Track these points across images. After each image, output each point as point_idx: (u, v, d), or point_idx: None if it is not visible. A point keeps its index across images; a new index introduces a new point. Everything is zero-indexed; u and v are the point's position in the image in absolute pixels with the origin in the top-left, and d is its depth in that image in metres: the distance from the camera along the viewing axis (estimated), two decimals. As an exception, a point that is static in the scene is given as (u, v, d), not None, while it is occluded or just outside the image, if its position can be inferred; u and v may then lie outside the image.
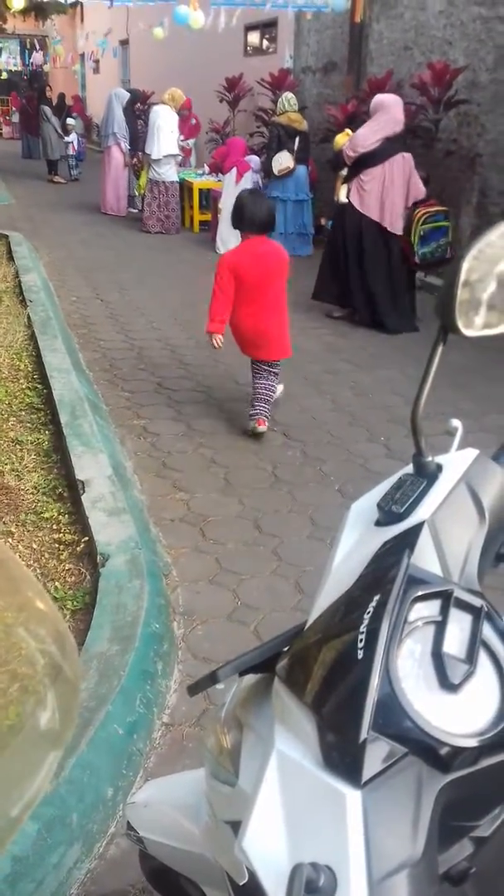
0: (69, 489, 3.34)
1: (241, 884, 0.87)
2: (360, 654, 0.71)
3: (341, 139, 6.94)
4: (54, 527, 3.02)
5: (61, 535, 2.96)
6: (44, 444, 3.77)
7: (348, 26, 9.61)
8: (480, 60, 7.58)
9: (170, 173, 9.85)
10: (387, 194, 5.95)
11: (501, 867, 0.90)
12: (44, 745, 0.52)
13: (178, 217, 10.18)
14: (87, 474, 3.32)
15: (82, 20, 24.13)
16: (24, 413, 4.10)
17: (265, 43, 12.83)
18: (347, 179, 6.28)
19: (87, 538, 2.92)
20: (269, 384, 4.12)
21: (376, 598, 0.74)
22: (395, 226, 6.03)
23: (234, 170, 8.84)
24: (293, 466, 3.80)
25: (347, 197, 6.25)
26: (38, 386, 4.46)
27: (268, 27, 12.29)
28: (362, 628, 0.72)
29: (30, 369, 4.73)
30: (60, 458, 3.64)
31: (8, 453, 3.59)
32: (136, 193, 11.21)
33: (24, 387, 4.44)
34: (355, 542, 0.87)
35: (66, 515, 3.12)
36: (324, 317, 6.49)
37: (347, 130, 7.06)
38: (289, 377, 5.08)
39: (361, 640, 0.71)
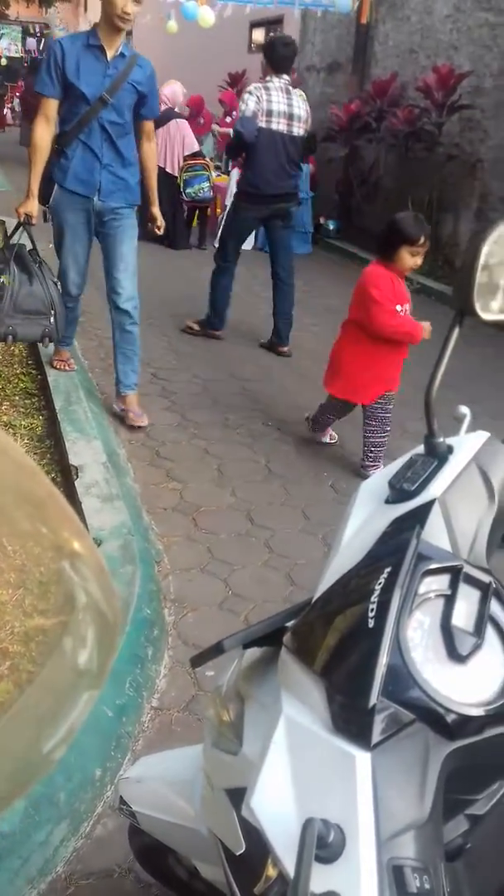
0: (62, 474, 3.33)
1: (237, 853, 0.88)
2: (371, 624, 0.72)
3: None
4: (47, 511, 3.01)
5: (54, 518, 2.95)
6: (37, 429, 3.76)
7: (354, 27, 9.64)
8: (485, 66, 7.62)
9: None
10: (168, 147, 8.23)
11: (491, 845, 0.92)
12: (80, 683, 0.53)
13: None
14: (80, 460, 3.32)
15: (86, 9, 24.04)
16: (17, 398, 4.09)
17: (270, 40, 12.85)
18: None
19: (79, 523, 2.92)
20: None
21: (387, 570, 0.75)
22: (175, 169, 8.30)
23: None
24: (287, 461, 3.81)
25: None
26: (33, 371, 4.45)
27: (273, 24, 12.29)
28: (373, 598, 0.74)
29: (24, 354, 4.71)
30: (54, 443, 3.63)
31: (2, 436, 3.59)
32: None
33: (18, 372, 4.43)
34: (365, 518, 0.88)
35: (60, 500, 3.12)
36: (322, 313, 6.51)
37: None
38: (283, 372, 5.09)
39: (373, 611, 0.73)
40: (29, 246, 3.82)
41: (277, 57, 4.92)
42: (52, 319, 3.76)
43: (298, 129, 4.98)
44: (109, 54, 3.55)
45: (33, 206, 3.72)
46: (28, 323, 3.74)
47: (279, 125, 4.91)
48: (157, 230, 4.06)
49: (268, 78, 4.98)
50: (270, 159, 4.94)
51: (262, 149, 4.91)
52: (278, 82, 4.91)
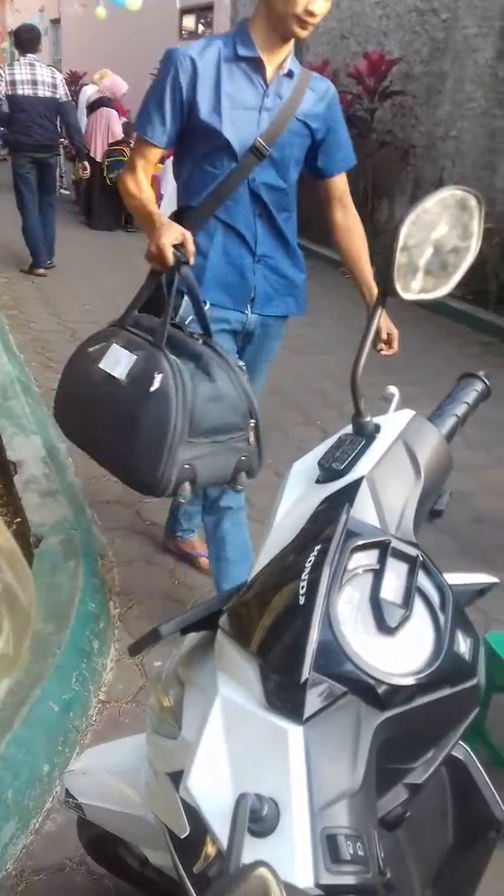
0: (0, 471, 3.28)
1: (182, 837, 0.89)
2: (302, 601, 0.73)
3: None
4: (-14, 508, 2.96)
5: (-6, 515, 2.91)
6: (-26, 425, 3.69)
7: (285, 14, 9.62)
8: (415, 52, 7.70)
9: None
10: (96, 133, 9.23)
11: (430, 813, 0.94)
12: (-3, 668, 0.52)
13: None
14: (19, 455, 3.27)
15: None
16: (-47, 394, 4.00)
17: (200, 27, 12.75)
18: None
19: (19, 519, 2.88)
20: None
21: (317, 548, 0.77)
22: (99, 155, 9.17)
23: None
24: (229, 449, 3.81)
25: None
26: (-32, 367, 4.36)
27: (203, 11, 12.21)
28: (304, 576, 0.75)
29: (-41, 349, 4.61)
30: (-8, 439, 3.56)
31: None
32: (73, 177, 11.00)
33: (-47, 367, 4.33)
34: (296, 499, 0.89)
35: (-1, 497, 3.07)
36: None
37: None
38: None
39: (303, 588, 0.74)
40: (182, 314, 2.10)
41: (22, 41, 6.59)
42: (251, 437, 1.94)
43: (45, 92, 6.52)
44: (269, 72, 2.00)
45: (178, 231, 1.88)
46: (218, 451, 1.87)
47: (24, 90, 6.48)
48: None
49: (17, 58, 6.72)
50: (23, 117, 6.51)
51: (15, 111, 6.52)
52: (24, 59, 6.54)
